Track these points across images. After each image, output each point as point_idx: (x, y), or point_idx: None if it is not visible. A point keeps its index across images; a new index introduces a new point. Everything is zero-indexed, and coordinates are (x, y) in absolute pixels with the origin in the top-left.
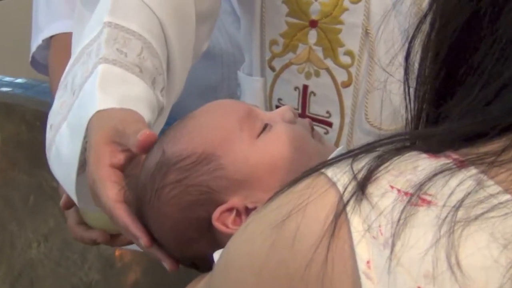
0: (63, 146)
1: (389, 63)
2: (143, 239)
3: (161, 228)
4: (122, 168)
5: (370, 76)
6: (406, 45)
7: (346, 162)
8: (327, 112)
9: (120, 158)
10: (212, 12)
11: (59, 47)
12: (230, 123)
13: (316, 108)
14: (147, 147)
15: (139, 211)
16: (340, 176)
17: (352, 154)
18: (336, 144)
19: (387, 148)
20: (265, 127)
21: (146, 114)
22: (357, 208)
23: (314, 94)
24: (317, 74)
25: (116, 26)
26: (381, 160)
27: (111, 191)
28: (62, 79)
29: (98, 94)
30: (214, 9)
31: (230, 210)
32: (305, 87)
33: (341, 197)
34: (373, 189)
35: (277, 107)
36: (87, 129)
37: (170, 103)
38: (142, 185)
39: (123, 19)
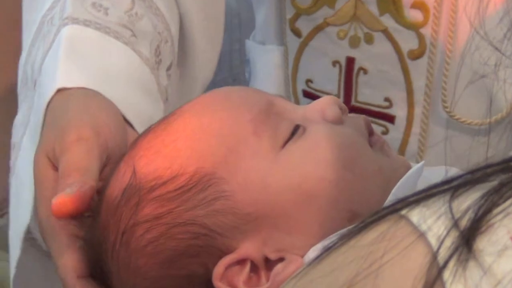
0: (23, 172)
1: (504, 38)
2: None
3: None
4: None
5: (451, 39)
6: None
7: (440, 199)
8: (386, 99)
9: None
10: None
11: None
12: (240, 126)
13: (368, 94)
14: (67, 215)
15: (98, 265)
16: (432, 223)
17: (450, 187)
18: (402, 151)
19: (505, 177)
20: (294, 130)
21: (137, 99)
22: (461, 273)
23: (365, 72)
24: (369, 40)
25: None
26: (497, 198)
27: (69, 260)
28: (20, 74)
29: (60, 64)
30: None
31: (241, 263)
32: (350, 61)
33: (434, 256)
34: (486, 244)
35: (305, 93)
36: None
37: (193, 93)
38: (102, 225)
39: None
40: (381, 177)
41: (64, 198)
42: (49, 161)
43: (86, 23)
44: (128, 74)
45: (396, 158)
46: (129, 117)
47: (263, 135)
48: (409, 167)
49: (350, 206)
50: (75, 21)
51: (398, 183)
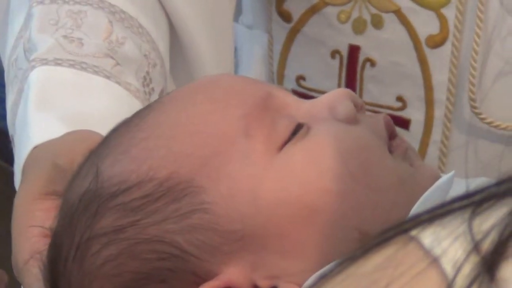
0: None
1: None
2: None
3: None
4: None
5: (480, 22)
6: None
7: (458, 217)
8: (399, 98)
9: None
10: None
11: None
12: (228, 122)
13: (376, 91)
14: None
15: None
16: (448, 246)
17: (471, 202)
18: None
19: None
20: (296, 129)
21: None
22: None
23: (373, 64)
24: (378, 24)
25: None
26: None
27: None
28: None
29: (31, 117)
30: None
31: None
32: (354, 51)
33: (450, 286)
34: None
35: (296, 94)
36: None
37: None
38: (57, 237)
39: None
40: (400, 190)
41: None
42: (43, 188)
43: (58, 62)
44: (113, 113)
45: (421, 167)
46: None
47: (257, 134)
48: (438, 179)
49: (360, 225)
50: (44, 61)
51: (421, 198)
